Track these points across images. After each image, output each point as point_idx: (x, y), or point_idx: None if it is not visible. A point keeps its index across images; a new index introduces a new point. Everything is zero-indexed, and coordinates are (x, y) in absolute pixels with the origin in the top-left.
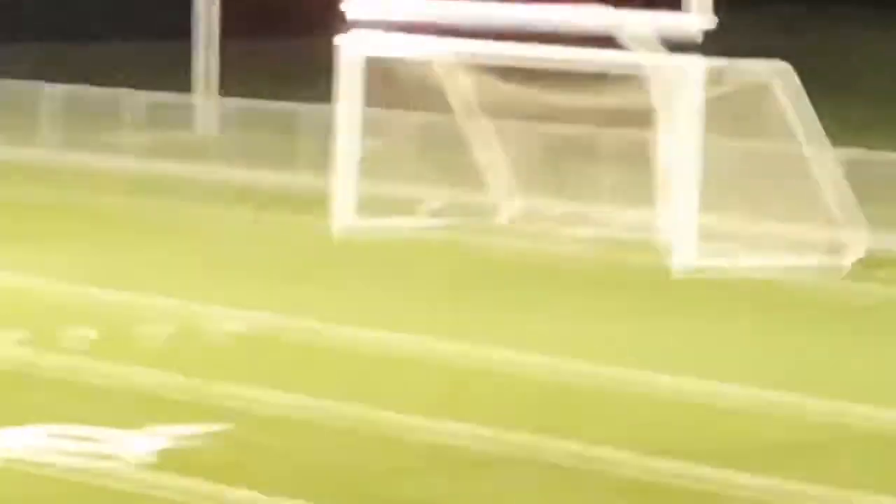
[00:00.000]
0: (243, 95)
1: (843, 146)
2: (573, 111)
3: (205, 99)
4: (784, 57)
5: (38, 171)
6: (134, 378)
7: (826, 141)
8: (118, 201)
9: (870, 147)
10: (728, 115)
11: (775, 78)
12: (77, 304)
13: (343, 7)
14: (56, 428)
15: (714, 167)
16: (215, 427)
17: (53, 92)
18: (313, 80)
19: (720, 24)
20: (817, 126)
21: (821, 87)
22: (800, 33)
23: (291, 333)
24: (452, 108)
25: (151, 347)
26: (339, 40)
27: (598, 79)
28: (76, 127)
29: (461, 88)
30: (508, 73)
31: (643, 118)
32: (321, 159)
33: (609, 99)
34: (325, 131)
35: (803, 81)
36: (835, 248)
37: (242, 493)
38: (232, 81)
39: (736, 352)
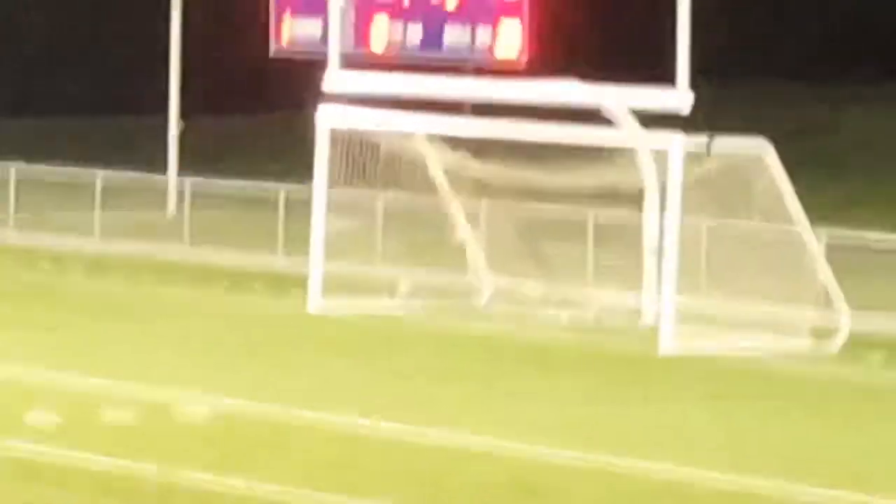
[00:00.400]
0: (212, 173)
1: (824, 225)
2: (554, 190)
3: (173, 177)
4: (763, 133)
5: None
6: (97, 463)
7: (806, 220)
8: (80, 282)
9: (852, 226)
10: (711, 193)
11: (756, 156)
12: (40, 388)
13: (323, 81)
14: None
15: (698, 247)
16: None
17: (13, 169)
18: (288, 156)
19: (698, 99)
20: (798, 204)
21: (800, 164)
22: (777, 109)
23: (260, 417)
24: (430, 187)
25: (116, 432)
26: (317, 115)
27: (582, 156)
28: (37, 205)
29: (438, 166)
30: (488, 149)
31: (627, 197)
32: (295, 238)
33: (592, 177)
34: (300, 210)
35: (783, 158)
36: (821, 331)
37: None
38: (201, 158)
39: (720, 436)
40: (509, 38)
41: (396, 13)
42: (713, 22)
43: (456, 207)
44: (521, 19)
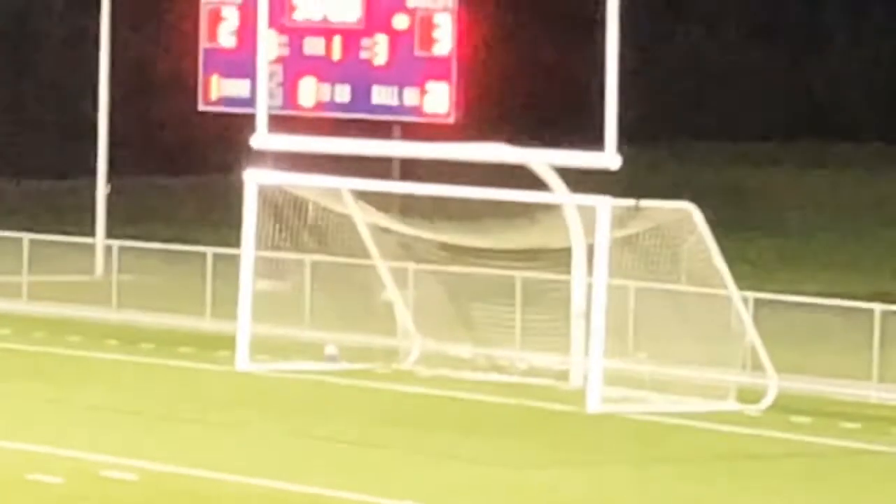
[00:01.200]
0: (137, 235)
1: (751, 286)
2: (483, 250)
3: (100, 238)
4: (688, 194)
5: None
6: None
7: (733, 282)
8: (8, 345)
9: (778, 287)
10: (638, 255)
11: (682, 217)
12: None
13: (251, 142)
14: None
15: (625, 308)
16: None
17: None
18: (214, 218)
19: (625, 161)
20: (725, 266)
21: (725, 225)
22: (701, 170)
23: (187, 482)
24: (358, 248)
25: (41, 497)
26: (245, 175)
27: (509, 216)
28: None
29: (366, 226)
30: (416, 209)
31: (554, 257)
32: (222, 300)
33: (519, 238)
34: (228, 271)
35: (709, 220)
36: (748, 393)
37: None
38: (126, 220)
39: (645, 498)
40: (438, 96)
41: (324, 73)
42: (640, 84)
43: (383, 268)
44: (450, 78)
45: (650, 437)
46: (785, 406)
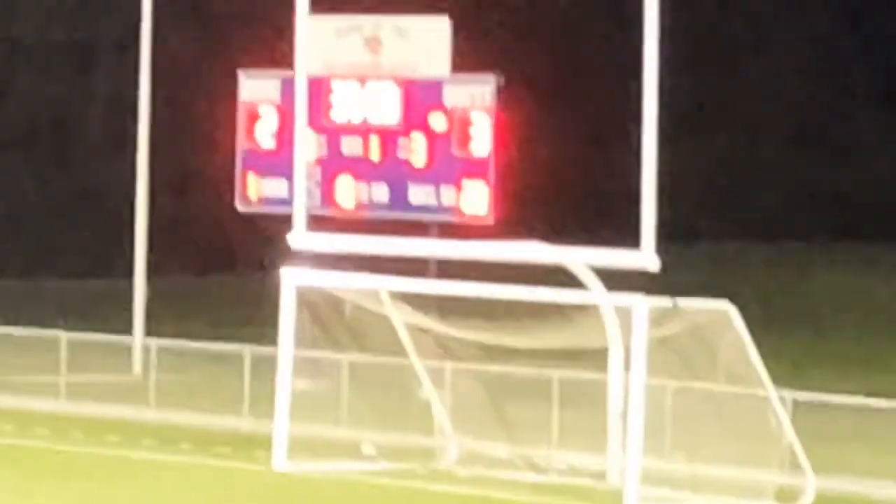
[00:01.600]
0: (175, 335)
1: (786, 386)
2: (520, 350)
3: (138, 338)
4: (725, 294)
5: None
6: None
7: (770, 381)
8: (45, 445)
9: (816, 386)
10: (675, 354)
11: (720, 317)
12: None
13: (289, 241)
14: None
15: (662, 408)
16: None
17: None
18: (252, 317)
19: (662, 260)
20: (762, 366)
21: (762, 325)
22: (736, 270)
23: None
24: (395, 347)
25: None
26: (283, 274)
27: (547, 315)
28: (6, 367)
29: (403, 325)
30: (453, 308)
31: (592, 357)
32: (260, 399)
33: (557, 337)
34: (266, 370)
35: (746, 319)
36: (786, 493)
37: None
38: (167, 319)
39: None
40: (475, 196)
41: (362, 173)
42: (678, 183)
43: (421, 368)
44: (488, 178)
45: None
46: None
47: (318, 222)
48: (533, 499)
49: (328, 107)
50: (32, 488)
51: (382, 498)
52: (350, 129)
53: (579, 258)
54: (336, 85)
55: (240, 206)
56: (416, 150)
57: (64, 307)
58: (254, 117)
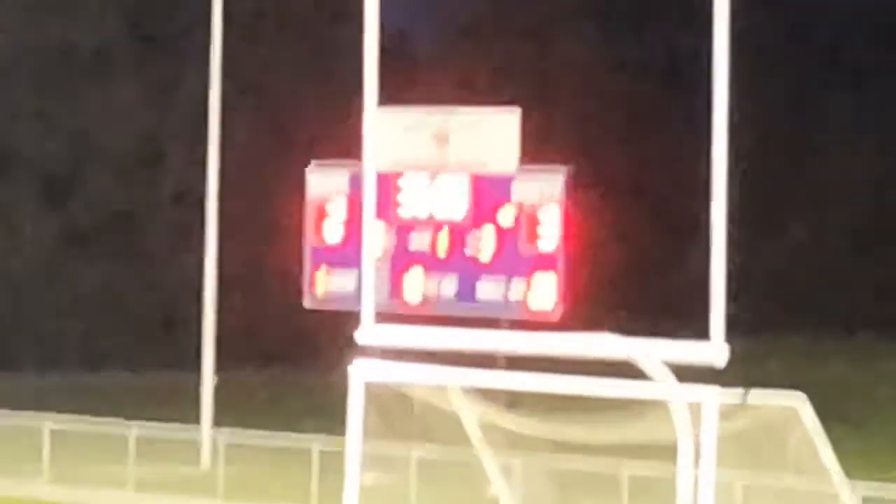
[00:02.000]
0: (243, 428)
1: (859, 480)
2: (588, 443)
3: (207, 430)
4: (796, 387)
5: None
6: None
7: (844, 476)
8: None
9: (887, 481)
10: (745, 448)
11: (791, 410)
12: None
13: (356, 336)
14: None
15: (732, 503)
16: None
17: (53, 423)
18: (319, 410)
19: (732, 352)
20: (835, 460)
21: (834, 418)
22: (809, 363)
23: None
24: (464, 440)
25: None
26: (351, 368)
27: (615, 409)
28: (70, 459)
29: (472, 419)
30: (522, 402)
31: (661, 450)
32: (328, 492)
33: (625, 431)
34: (334, 463)
35: (817, 412)
36: None
37: None
38: (233, 413)
39: None
40: (543, 291)
41: (431, 266)
42: (747, 277)
43: (490, 462)
44: (556, 273)
45: None
46: None
47: (385, 317)
48: None
49: (396, 203)
50: None
51: None
52: (418, 224)
53: (648, 351)
54: (404, 179)
55: (307, 300)
56: (484, 244)
57: (132, 400)
58: (322, 211)
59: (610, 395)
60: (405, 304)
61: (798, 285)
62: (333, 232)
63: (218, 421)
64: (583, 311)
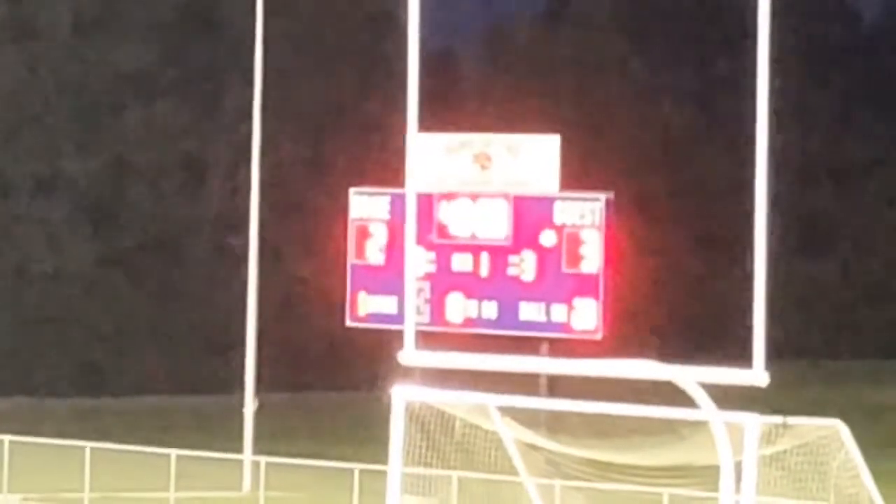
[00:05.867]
0: (285, 451)
1: None
2: (629, 467)
3: (248, 454)
4: (835, 411)
5: None
6: None
7: (882, 500)
8: None
9: None
10: (785, 472)
11: (831, 435)
12: None
13: (398, 358)
14: None
15: None
16: None
17: (88, 447)
18: (360, 433)
19: (772, 377)
20: (874, 485)
21: (874, 443)
22: (848, 386)
23: None
24: (505, 464)
25: None
26: (392, 392)
27: (656, 433)
28: (111, 484)
29: (513, 442)
30: (562, 425)
31: (701, 474)
32: None
33: (666, 454)
34: (375, 487)
35: (856, 438)
36: None
37: None
38: (274, 436)
39: None
40: (586, 312)
41: (472, 290)
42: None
43: (531, 485)
44: (599, 294)
45: None
46: None
47: (427, 338)
48: None
49: (439, 225)
50: None
51: None
52: (460, 246)
53: (689, 376)
54: (446, 202)
55: (350, 323)
56: (526, 267)
57: (173, 423)
58: (364, 234)
59: (651, 418)
60: (447, 325)
61: (838, 310)
62: (375, 254)
63: (259, 445)
64: (624, 333)
